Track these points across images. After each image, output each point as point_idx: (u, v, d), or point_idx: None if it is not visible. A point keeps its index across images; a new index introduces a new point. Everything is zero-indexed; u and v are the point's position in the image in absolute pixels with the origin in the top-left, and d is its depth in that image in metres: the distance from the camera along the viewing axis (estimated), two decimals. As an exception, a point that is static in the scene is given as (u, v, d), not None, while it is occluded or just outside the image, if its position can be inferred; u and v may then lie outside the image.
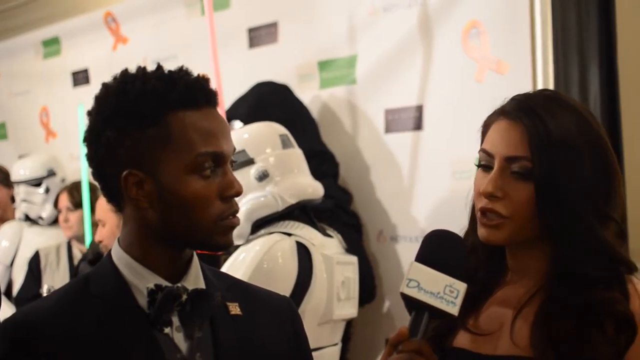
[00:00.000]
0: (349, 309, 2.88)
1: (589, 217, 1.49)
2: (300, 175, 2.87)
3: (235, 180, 1.42)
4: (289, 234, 2.72)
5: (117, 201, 1.47)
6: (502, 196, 1.52)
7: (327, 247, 2.80)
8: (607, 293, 1.47)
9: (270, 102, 3.52)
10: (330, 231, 2.96)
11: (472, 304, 1.58)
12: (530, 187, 1.50)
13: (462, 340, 1.60)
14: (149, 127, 1.39)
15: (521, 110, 1.53)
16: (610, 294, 1.47)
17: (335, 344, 2.89)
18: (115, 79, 1.45)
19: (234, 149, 1.46)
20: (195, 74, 1.45)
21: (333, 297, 2.75)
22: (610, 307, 1.45)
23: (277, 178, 2.78)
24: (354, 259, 2.92)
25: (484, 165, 1.56)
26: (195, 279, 1.47)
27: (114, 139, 1.40)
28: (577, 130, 1.50)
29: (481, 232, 1.55)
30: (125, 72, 1.45)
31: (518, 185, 1.51)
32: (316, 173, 3.32)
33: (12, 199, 4.79)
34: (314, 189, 2.87)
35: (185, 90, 1.40)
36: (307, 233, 2.76)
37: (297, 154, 2.91)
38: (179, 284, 1.43)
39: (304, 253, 2.69)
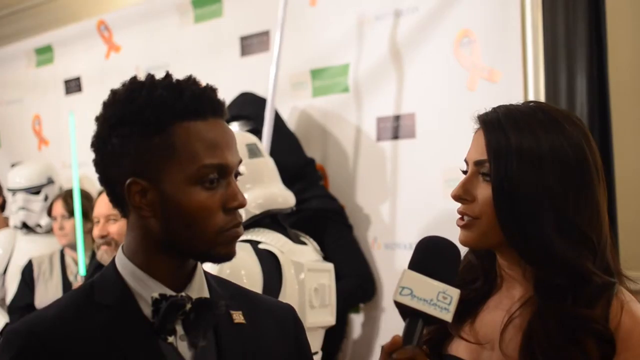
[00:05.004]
0: (325, 317, 2.85)
1: (546, 223, 1.51)
2: (271, 185, 2.85)
3: (239, 192, 1.42)
4: (257, 242, 2.70)
5: (122, 207, 1.46)
6: (471, 199, 1.58)
7: (299, 254, 2.78)
8: (585, 310, 1.49)
9: (255, 113, 3.53)
10: (304, 238, 2.95)
11: (467, 311, 1.61)
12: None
13: (457, 348, 1.62)
14: (153, 136, 1.38)
15: (487, 119, 1.60)
16: (588, 312, 1.49)
17: (315, 353, 2.87)
18: (124, 85, 1.44)
19: (240, 160, 1.45)
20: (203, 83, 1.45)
21: (305, 304, 2.73)
22: (589, 326, 1.48)
23: (247, 185, 2.77)
24: (329, 266, 2.90)
25: (464, 172, 1.63)
26: (199, 288, 1.47)
27: (119, 146, 1.39)
28: (543, 139, 1.53)
29: (459, 235, 1.60)
30: (134, 80, 1.44)
31: (485, 187, 1.57)
32: (312, 180, 3.34)
33: (1, 208, 4.78)
34: (284, 199, 2.85)
35: (191, 100, 1.39)
36: (274, 240, 2.74)
37: (265, 163, 2.89)
38: (183, 293, 1.43)
39: (270, 259, 2.67)
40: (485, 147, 1.56)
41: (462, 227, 1.59)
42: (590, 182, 1.55)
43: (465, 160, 1.63)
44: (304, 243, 2.91)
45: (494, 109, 1.62)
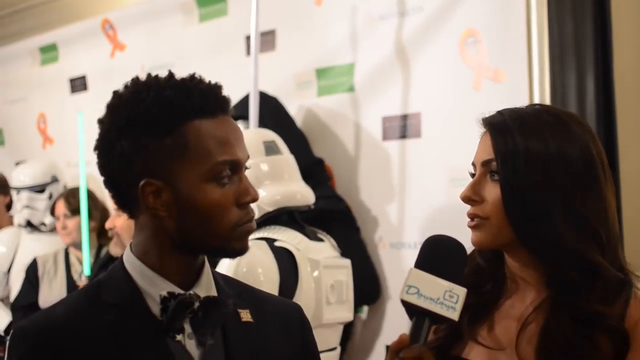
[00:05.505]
0: (343, 313, 2.87)
1: (557, 220, 1.52)
2: (290, 182, 2.86)
3: (250, 186, 1.44)
4: (272, 239, 2.72)
5: (129, 209, 1.47)
6: (480, 200, 1.59)
7: (315, 251, 2.80)
8: (600, 306, 1.49)
9: (263, 112, 3.53)
10: (322, 235, 2.96)
11: (479, 315, 1.61)
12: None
13: (473, 353, 1.61)
14: (165, 136, 1.39)
15: (492, 121, 1.61)
16: (602, 307, 1.49)
17: (333, 349, 2.89)
18: (127, 87, 1.45)
19: (248, 155, 1.47)
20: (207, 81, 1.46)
21: (322, 301, 2.75)
22: (602, 321, 1.48)
23: (266, 182, 2.78)
24: (346, 263, 2.92)
25: (472, 175, 1.64)
26: (207, 286, 1.48)
27: (129, 148, 1.40)
28: (549, 138, 1.54)
29: (470, 237, 1.61)
30: (137, 81, 1.45)
31: (493, 186, 1.57)
32: (321, 179, 3.34)
33: (7, 207, 4.79)
34: (302, 196, 2.86)
35: (200, 99, 1.40)
36: (291, 237, 2.75)
37: (285, 160, 2.90)
38: (192, 291, 1.44)
39: (286, 257, 2.69)
40: (492, 148, 1.57)
41: (473, 227, 1.60)
42: (597, 181, 1.56)
43: (473, 164, 1.63)
44: (321, 240, 2.92)
45: (499, 111, 1.63)
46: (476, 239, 1.60)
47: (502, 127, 1.57)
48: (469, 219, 1.61)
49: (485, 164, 1.58)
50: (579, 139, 1.56)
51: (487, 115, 1.64)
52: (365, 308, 3.50)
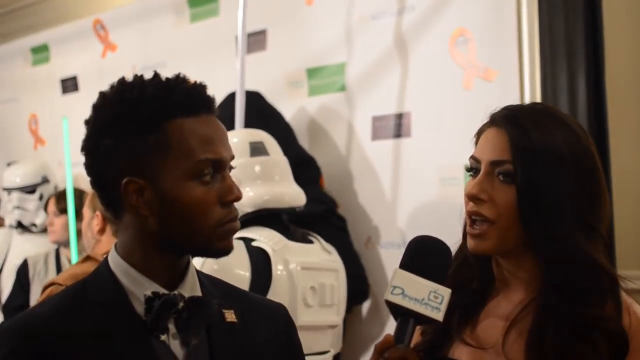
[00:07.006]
0: (326, 316, 2.83)
1: (571, 225, 1.50)
2: (280, 184, 2.84)
3: (234, 185, 1.43)
4: (251, 239, 2.70)
5: (114, 209, 1.46)
6: (486, 199, 1.53)
7: (296, 252, 2.77)
8: (599, 310, 1.48)
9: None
10: (312, 237, 2.93)
11: (466, 315, 1.60)
12: (513, 190, 1.52)
13: (458, 352, 1.60)
14: (147, 135, 1.39)
15: (507, 118, 1.57)
16: (602, 311, 1.48)
17: (323, 352, 2.84)
18: (112, 87, 1.45)
19: (232, 155, 1.46)
20: (192, 81, 1.46)
21: (297, 302, 2.71)
22: (602, 325, 1.47)
23: (257, 182, 2.77)
24: (336, 266, 2.88)
25: (473, 171, 1.59)
26: (192, 286, 1.48)
27: (112, 147, 1.40)
28: (562, 141, 1.52)
29: (469, 243, 1.57)
30: (122, 81, 1.45)
31: (503, 188, 1.53)
32: (303, 179, 3.31)
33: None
34: (291, 197, 2.84)
35: (183, 98, 1.41)
36: (269, 237, 2.73)
37: (272, 161, 2.87)
38: (176, 292, 1.44)
39: (260, 257, 2.68)
40: (508, 146, 1.53)
41: (476, 236, 1.55)
42: (602, 180, 1.55)
43: (475, 158, 1.58)
44: (310, 242, 2.89)
45: (504, 108, 1.60)
46: (478, 247, 1.55)
47: (516, 123, 1.53)
48: (469, 224, 1.56)
49: (496, 164, 1.54)
50: (580, 137, 1.55)
51: (494, 110, 1.60)
52: (355, 307, 3.48)
